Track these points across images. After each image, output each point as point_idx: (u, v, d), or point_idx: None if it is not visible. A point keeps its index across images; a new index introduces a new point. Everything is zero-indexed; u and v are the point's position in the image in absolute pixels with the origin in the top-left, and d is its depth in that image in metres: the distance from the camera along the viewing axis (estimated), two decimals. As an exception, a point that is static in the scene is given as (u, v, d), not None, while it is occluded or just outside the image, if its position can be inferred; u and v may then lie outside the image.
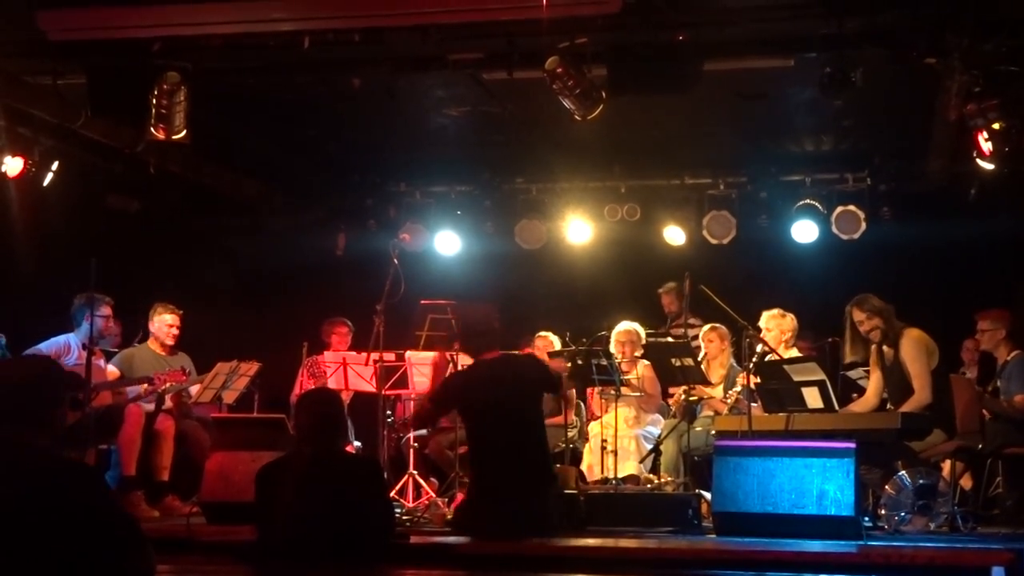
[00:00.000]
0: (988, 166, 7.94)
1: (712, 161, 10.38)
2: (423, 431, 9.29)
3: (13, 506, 3.12)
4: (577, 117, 7.39)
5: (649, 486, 7.88)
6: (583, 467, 8.43)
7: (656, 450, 8.19)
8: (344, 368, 8.73)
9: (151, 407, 8.25)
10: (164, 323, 8.58)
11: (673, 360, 8.03)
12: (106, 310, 8.13)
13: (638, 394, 8.52)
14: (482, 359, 6.87)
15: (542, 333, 9.27)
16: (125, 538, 3.28)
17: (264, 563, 4.89)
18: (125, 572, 3.30)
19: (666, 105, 8.28)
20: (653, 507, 7.30)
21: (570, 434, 8.61)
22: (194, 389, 8.49)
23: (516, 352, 7.65)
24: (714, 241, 10.30)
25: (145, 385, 8.22)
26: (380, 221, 10.97)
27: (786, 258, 10.35)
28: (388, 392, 8.58)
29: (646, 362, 8.63)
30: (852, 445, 6.54)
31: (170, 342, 8.60)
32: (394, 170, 10.91)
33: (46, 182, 8.90)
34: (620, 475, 8.06)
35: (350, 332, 9.66)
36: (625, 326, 8.75)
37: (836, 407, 7.19)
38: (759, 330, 8.09)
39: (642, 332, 8.80)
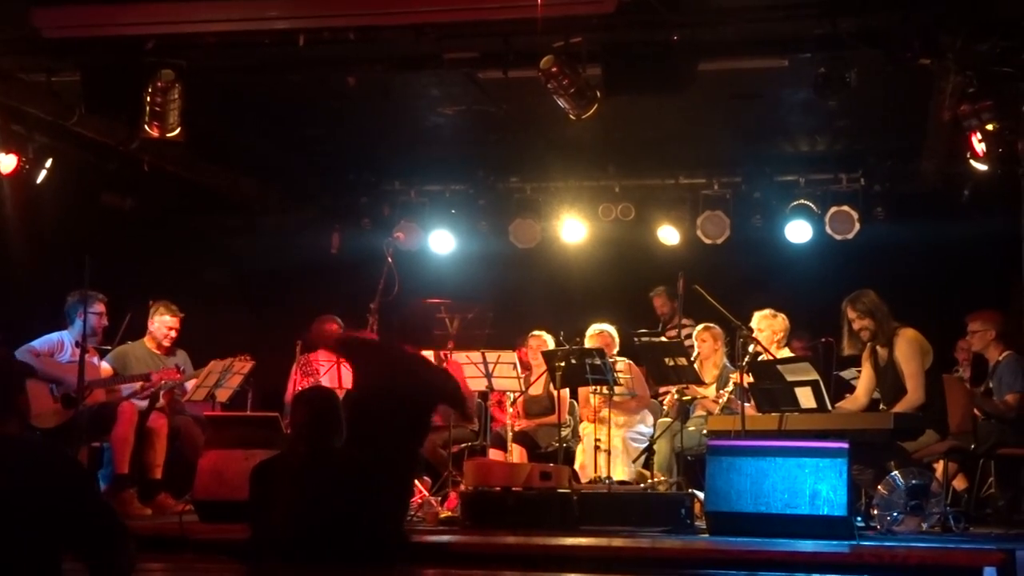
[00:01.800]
0: (981, 167, 7.95)
1: (706, 161, 10.39)
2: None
3: None
4: (572, 116, 7.39)
5: (642, 485, 7.89)
6: (576, 467, 8.44)
7: (649, 449, 8.20)
8: (338, 366, 8.72)
9: (144, 404, 8.24)
10: (164, 324, 8.56)
11: (667, 359, 8.03)
12: (100, 307, 8.12)
13: (627, 393, 8.52)
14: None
15: (536, 332, 9.26)
16: (104, 526, 3.29)
17: (257, 561, 4.88)
18: (105, 560, 3.30)
19: (661, 105, 8.27)
20: (646, 507, 7.31)
21: (563, 434, 8.62)
22: (189, 385, 8.48)
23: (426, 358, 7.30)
24: (708, 241, 10.31)
25: (140, 383, 8.21)
26: (374, 220, 10.96)
27: (780, 258, 10.37)
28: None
29: (627, 360, 8.64)
30: (845, 445, 6.56)
31: (167, 343, 8.58)
32: (389, 169, 10.90)
33: (40, 179, 8.89)
34: (612, 475, 8.06)
35: (340, 329, 9.63)
36: (596, 328, 8.75)
37: (829, 407, 7.20)
38: (752, 330, 8.10)
39: (615, 333, 8.79)
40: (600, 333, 8.71)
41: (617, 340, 8.77)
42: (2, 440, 3.26)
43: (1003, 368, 8.10)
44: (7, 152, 8.55)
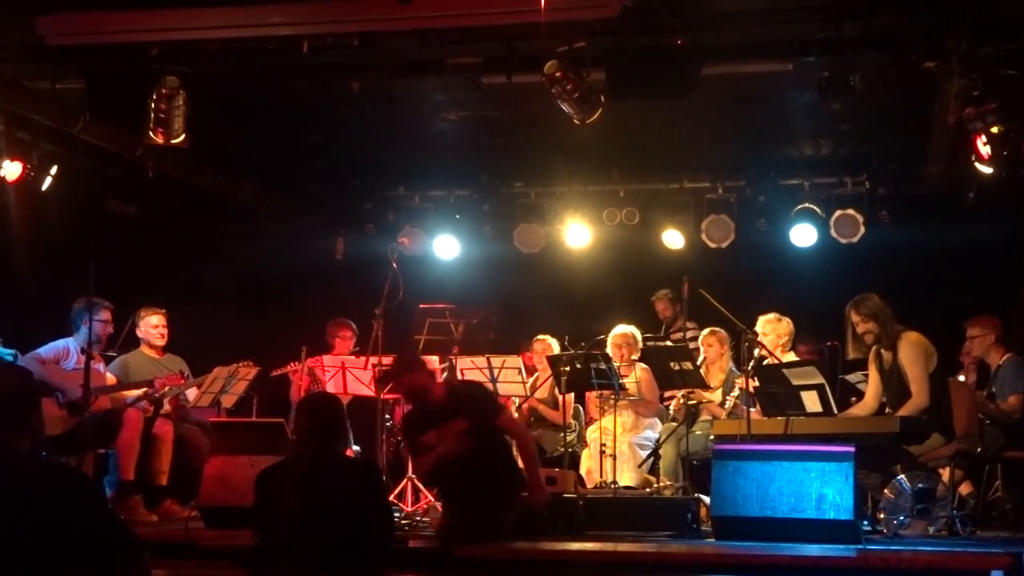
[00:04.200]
0: (987, 170, 7.94)
1: (711, 165, 10.38)
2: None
3: (3, 510, 3.13)
4: (576, 121, 7.39)
5: (648, 490, 7.88)
6: (582, 471, 8.43)
7: (655, 454, 8.19)
8: (343, 372, 8.72)
9: (150, 411, 8.23)
10: (150, 325, 8.57)
11: (672, 364, 8.02)
12: (105, 314, 8.13)
13: (636, 397, 8.51)
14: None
15: (540, 337, 9.26)
16: (117, 541, 3.29)
17: (262, 567, 4.88)
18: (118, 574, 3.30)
19: (665, 109, 8.28)
20: (652, 511, 7.30)
21: (569, 438, 8.61)
22: (192, 393, 8.49)
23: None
24: (713, 245, 10.30)
25: (144, 389, 8.21)
26: (379, 225, 10.96)
27: (785, 262, 10.35)
28: (387, 396, 8.58)
29: (643, 365, 8.62)
30: (851, 449, 6.54)
31: (160, 343, 8.58)
32: (393, 174, 10.91)
33: (45, 186, 8.90)
34: (619, 481, 8.05)
35: (354, 336, 9.64)
36: (621, 329, 8.74)
37: (835, 411, 7.18)
38: (757, 334, 8.09)
39: (639, 335, 8.79)
40: (623, 334, 8.70)
41: (640, 343, 8.76)
42: (13, 456, 3.28)
43: (1004, 371, 8.10)
44: (12, 159, 8.56)
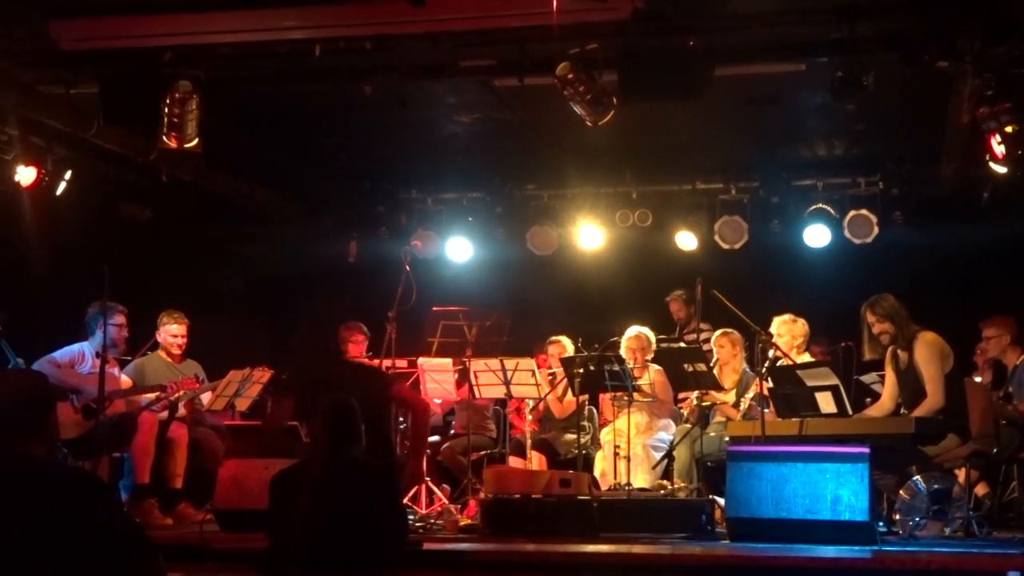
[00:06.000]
0: (1001, 169, 7.92)
1: (724, 166, 10.37)
2: (435, 437, 9.31)
3: (18, 513, 3.14)
4: (588, 123, 7.39)
5: (662, 492, 7.87)
6: (596, 473, 8.42)
7: (669, 456, 8.18)
8: (357, 375, 8.72)
9: (164, 415, 8.26)
10: (169, 333, 8.60)
11: (686, 365, 8.01)
12: (120, 319, 8.15)
13: (650, 399, 8.50)
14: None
15: (555, 338, 9.25)
16: (132, 545, 3.30)
17: (277, 570, 4.89)
18: None
19: (677, 110, 8.26)
20: (666, 513, 7.29)
21: (583, 440, 8.60)
22: (206, 397, 8.51)
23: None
24: (726, 246, 10.28)
25: (158, 393, 8.24)
26: (392, 228, 10.98)
27: (798, 263, 10.33)
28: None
29: (657, 367, 8.61)
30: (866, 450, 6.52)
31: (176, 351, 8.61)
32: (405, 177, 10.92)
33: (59, 191, 8.92)
34: (633, 483, 8.04)
35: (366, 339, 9.64)
36: (635, 331, 8.73)
37: (850, 412, 7.17)
38: (771, 335, 8.06)
39: (652, 337, 8.78)
40: (637, 335, 8.69)
41: (653, 344, 8.75)
42: (29, 460, 3.29)
43: (1021, 371, 8.07)
44: (27, 165, 8.58)
